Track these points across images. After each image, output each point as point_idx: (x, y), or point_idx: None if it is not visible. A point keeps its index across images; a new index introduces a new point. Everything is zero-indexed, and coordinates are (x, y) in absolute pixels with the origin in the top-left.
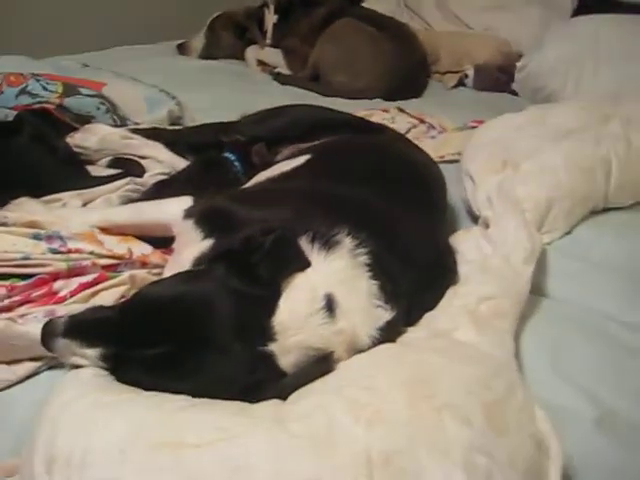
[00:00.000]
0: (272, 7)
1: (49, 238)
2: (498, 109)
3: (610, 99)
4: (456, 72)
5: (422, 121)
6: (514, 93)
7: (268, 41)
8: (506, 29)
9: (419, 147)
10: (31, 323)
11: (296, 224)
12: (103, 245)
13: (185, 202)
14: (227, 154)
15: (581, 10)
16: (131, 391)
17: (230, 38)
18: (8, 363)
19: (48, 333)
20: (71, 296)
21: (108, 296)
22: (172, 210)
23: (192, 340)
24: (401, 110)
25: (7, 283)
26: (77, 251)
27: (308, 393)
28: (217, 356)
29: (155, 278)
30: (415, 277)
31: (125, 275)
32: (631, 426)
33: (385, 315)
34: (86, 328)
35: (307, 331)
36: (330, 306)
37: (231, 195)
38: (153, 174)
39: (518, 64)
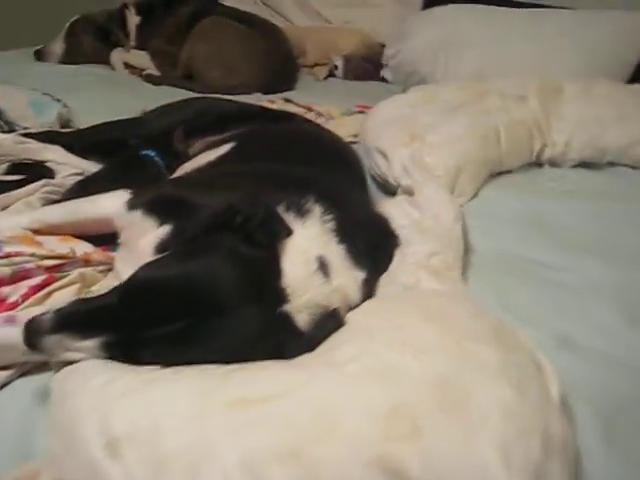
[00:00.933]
0: (133, 9)
1: None
2: (371, 95)
3: (477, 78)
4: (324, 64)
5: (310, 109)
6: (383, 80)
7: (132, 43)
8: (364, 22)
9: (330, 131)
10: None
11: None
12: (43, 246)
13: (122, 195)
14: (146, 151)
15: (428, 4)
16: (160, 368)
17: (93, 42)
18: None
19: (34, 332)
20: (23, 300)
21: (61, 296)
22: (111, 204)
23: (213, 310)
24: (288, 100)
25: None
26: (17, 254)
27: (338, 345)
28: (240, 321)
29: (102, 275)
30: (368, 241)
31: (75, 274)
32: (584, 348)
33: (360, 274)
34: (79, 320)
35: (312, 291)
36: (323, 267)
37: (172, 183)
38: (66, 175)
39: (388, 53)
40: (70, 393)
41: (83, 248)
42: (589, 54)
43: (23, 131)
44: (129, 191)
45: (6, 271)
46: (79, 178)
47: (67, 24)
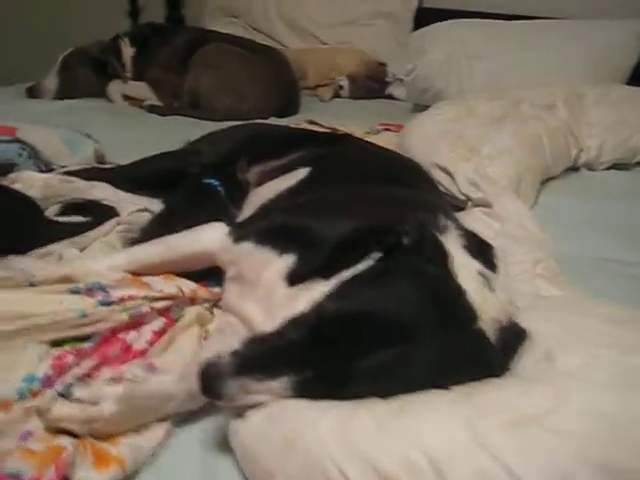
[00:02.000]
0: (127, 40)
1: (89, 291)
2: (383, 113)
3: (492, 90)
4: (325, 85)
5: (334, 129)
6: (389, 97)
7: (128, 74)
8: (358, 42)
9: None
10: (150, 380)
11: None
12: (151, 287)
13: (219, 228)
14: (209, 180)
15: (420, 22)
16: (370, 402)
17: (88, 75)
18: (135, 431)
19: (214, 377)
20: (150, 347)
21: (185, 340)
22: (211, 238)
23: (416, 334)
24: (312, 122)
25: (69, 347)
26: (130, 298)
27: (554, 355)
28: (445, 343)
29: (210, 313)
30: (485, 254)
31: (192, 315)
32: None
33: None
34: (262, 360)
35: (490, 306)
36: (487, 282)
37: (276, 212)
38: (131, 212)
39: (394, 70)
40: (291, 441)
41: (188, 286)
42: (588, 60)
43: (63, 170)
44: (224, 223)
45: (123, 317)
46: (145, 214)
47: (60, 58)
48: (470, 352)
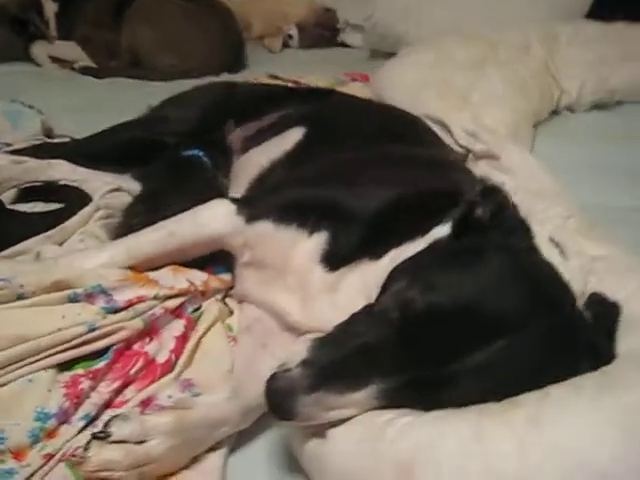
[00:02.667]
0: None
1: (90, 296)
2: (339, 62)
3: (454, 33)
4: (272, 36)
5: (297, 82)
6: (343, 45)
7: (53, 33)
8: None
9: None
10: (198, 405)
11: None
12: (159, 284)
13: (224, 206)
14: (191, 151)
15: None
16: (491, 411)
17: (7, 35)
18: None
19: (286, 394)
20: (177, 357)
21: (213, 343)
22: (218, 220)
23: (521, 323)
24: (273, 76)
25: (81, 370)
26: (139, 300)
27: None
28: (552, 332)
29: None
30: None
31: (212, 311)
32: None
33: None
34: (343, 368)
35: (574, 279)
36: (560, 250)
37: (289, 184)
38: (105, 193)
39: (349, 17)
40: (408, 467)
41: (199, 277)
42: None
43: (9, 148)
44: (227, 200)
45: (138, 324)
46: (121, 194)
47: None
48: (576, 339)
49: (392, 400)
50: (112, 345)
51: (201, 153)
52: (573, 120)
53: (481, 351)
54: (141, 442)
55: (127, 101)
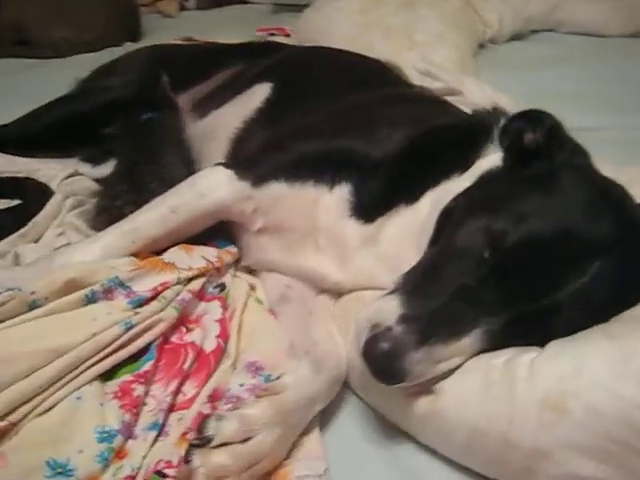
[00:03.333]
0: None
1: (108, 292)
2: (244, 19)
3: None
4: None
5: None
6: (243, 1)
7: None
8: None
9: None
10: (289, 386)
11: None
12: (176, 266)
13: (222, 172)
14: (146, 115)
15: None
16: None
17: None
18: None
19: (395, 355)
20: (226, 342)
21: (256, 319)
22: (221, 187)
23: (611, 244)
24: (189, 39)
25: (129, 375)
26: (164, 287)
27: None
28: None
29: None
30: None
31: (241, 287)
32: None
33: None
34: (446, 317)
35: None
36: None
37: (288, 138)
38: (63, 180)
39: None
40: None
41: (211, 254)
42: None
43: None
44: (222, 166)
45: (173, 313)
46: (81, 178)
47: None
48: None
49: (498, 340)
50: (153, 341)
51: (155, 115)
52: (498, 51)
53: (580, 275)
54: (246, 440)
55: (17, 84)
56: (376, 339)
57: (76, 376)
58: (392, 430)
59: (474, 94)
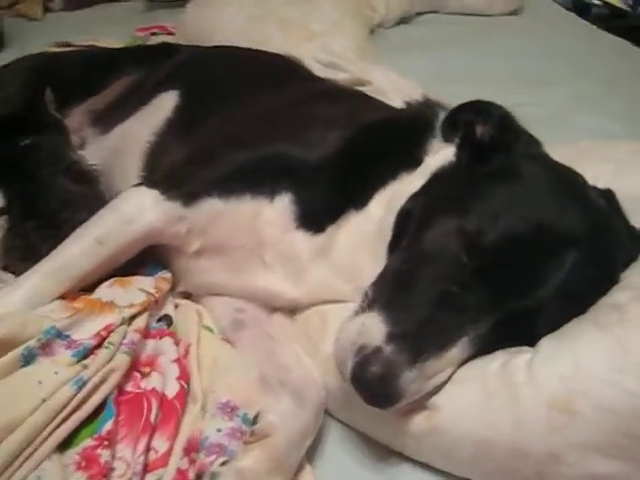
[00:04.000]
0: None
1: (46, 346)
2: (117, 19)
3: None
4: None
5: (93, 47)
6: (111, 0)
7: None
8: None
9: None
10: (277, 426)
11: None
12: (115, 304)
13: (145, 194)
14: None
15: None
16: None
17: None
18: None
19: (389, 376)
20: (187, 383)
21: (213, 349)
22: (147, 210)
23: (579, 233)
24: (67, 44)
25: (90, 440)
26: (108, 330)
27: None
28: (610, 226)
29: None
30: None
31: (188, 317)
32: None
33: None
34: (434, 329)
35: None
36: None
37: (215, 151)
38: None
39: None
40: (567, 404)
41: (148, 284)
42: None
43: None
44: (144, 186)
45: (124, 360)
46: None
47: None
48: (623, 230)
49: (486, 345)
50: (108, 396)
51: (37, 139)
52: (388, 35)
53: (560, 267)
54: None
55: None
56: (366, 362)
57: (31, 453)
58: (384, 451)
59: (382, 82)
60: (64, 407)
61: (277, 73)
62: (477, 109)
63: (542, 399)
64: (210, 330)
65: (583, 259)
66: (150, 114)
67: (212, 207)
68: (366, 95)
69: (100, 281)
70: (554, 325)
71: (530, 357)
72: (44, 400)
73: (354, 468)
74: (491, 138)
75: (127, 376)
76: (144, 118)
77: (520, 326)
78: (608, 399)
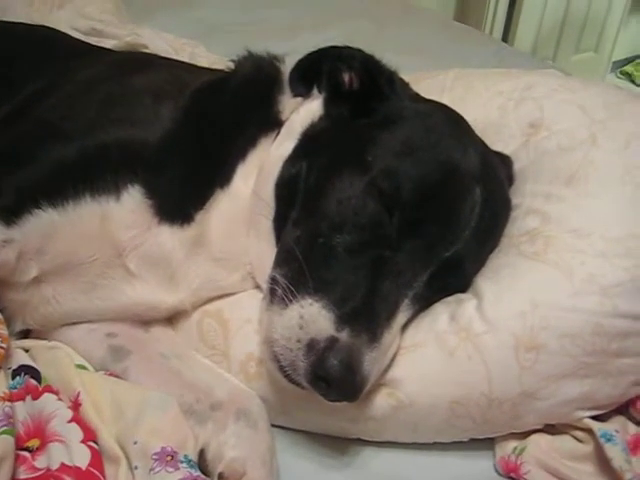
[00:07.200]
0: None
1: None
2: None
3: None
4: None
5: None
6: None
7: None
8: None
9: None
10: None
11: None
12: None
13: None
14: None
15: None
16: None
17: None
18: None
19: (354, 362)
20: (94, 442)
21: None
22: None
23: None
24: None
25: None
26: None
27: None
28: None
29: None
30: None
31: (62, 358)
32: None
33: None
34: (378, 301)
35: None
36: None
37: (33, 142)
38: None
39: None
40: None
41: None
42: None
43: None
44: None
45: (8, 441)
46: None
47: None
48: (499, 162)
49: (423, 301)
50: None
51: None
52: None
53: (473, 207)
54: None
55: None
56: (324, 358)
57: None
58: (340, 443)
59: (159, 44)
60: None
61: (59, 45)
62: (337, 56)
63: (507, 343)
64: (83, 368)
65: (486, 193)
66: None
67: (43, 221)
68: (169, 59)
69: None
70: (478, 264)
71: (476, 303)
72: None
73: (319, 470)
74: (361, 84)
75: (15, 460)
76: None
77: (452, 273)
78: (570, 325)
